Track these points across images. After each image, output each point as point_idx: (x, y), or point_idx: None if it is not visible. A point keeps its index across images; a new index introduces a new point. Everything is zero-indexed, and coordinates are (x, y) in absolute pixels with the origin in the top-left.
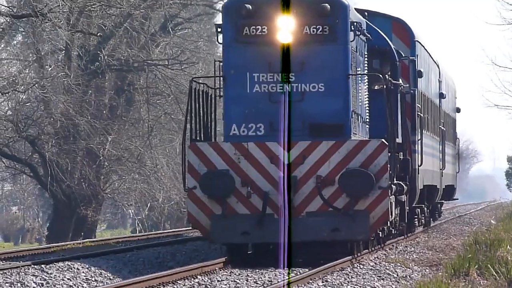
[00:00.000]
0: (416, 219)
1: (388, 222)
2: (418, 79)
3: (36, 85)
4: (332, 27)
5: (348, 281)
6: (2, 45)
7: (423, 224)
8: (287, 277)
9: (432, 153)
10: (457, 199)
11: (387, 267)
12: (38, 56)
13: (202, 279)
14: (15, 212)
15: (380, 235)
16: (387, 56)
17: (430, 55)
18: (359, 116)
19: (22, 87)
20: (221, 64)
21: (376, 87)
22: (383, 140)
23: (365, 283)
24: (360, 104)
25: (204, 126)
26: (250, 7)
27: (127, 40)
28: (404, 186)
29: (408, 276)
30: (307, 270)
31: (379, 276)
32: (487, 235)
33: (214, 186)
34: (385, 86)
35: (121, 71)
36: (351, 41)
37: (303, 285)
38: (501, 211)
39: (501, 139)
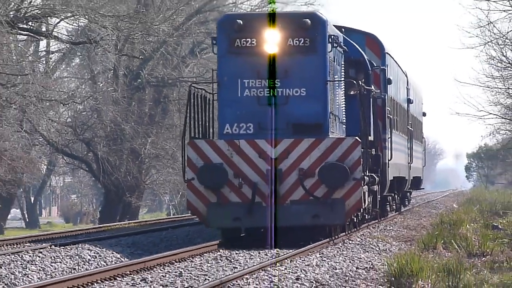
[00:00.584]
0: (388, 206)
1: (362, 209)
2: (388, 86)
3: (90, 97)
4: (312, 40)
5: (339, 253)
6: (63, 66)
7: (395, 210)
8: (289, 252)
9: (401, 149)
10: (423, 188)
11: (371, 242)
12: (92, 75)
13: (223, 252)
14: (74, 199)
15: (355, 220)
16: (361, 66)
17: (399, 66)
18: (337, 117)
19: (79, 99)
20: (216, 72)
21: (351, 93)
22: (356, 137)
23: (354, 255)
24: (337, 106)
25: (202, 126)
26: (241, 22)
27: (163, 62)
28: (376, 178)
29: (387, 249)
30: (291, 250)
31: (365, 250)
32: (450, 217)
33: (210, 177)
34: (359, 92)
35: (158, 87)
36: (329, 52)
37: (304, 257)
38: (461, 197)
39: (462, 139)
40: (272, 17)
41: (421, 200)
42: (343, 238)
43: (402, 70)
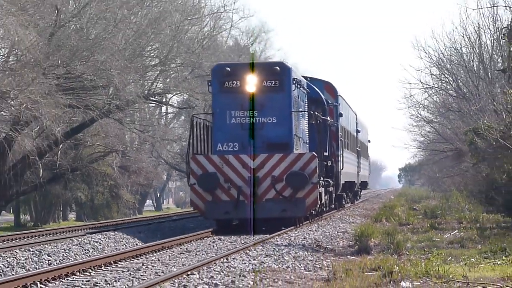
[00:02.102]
0: (343, 200)
1: (318, 205)
2: (340, 118)
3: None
4: (280, 82)
5: (328, 224)
6: (175, 120)
7: (350, 202)
8: (288, 228)
9: (351, 162)
10: (369, 188)
11: (345, 218)
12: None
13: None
14: (182, 194)
15: (313, 213)
16: (320, 103)
17: (349, 106)
18: (300, 138)
19: (184, 139)
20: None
21: (312, 122)
22: (313, 153)
23: (336, 225)
24: (301, 131)
25: (202, 145)
26: (229, 69)
27: None
28: (331, 182)
29: (354, 222)
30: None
31: (341, 221)
32: (389, 203)
33: (206, 182)
34: (316, 121)
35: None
36: (293, 91)
37: (306, 225)
38: (395, 192)
39: (397, 158)
40: (251, 65)
41: (373, 194)
42: (330, 215)
43: (352, 110)
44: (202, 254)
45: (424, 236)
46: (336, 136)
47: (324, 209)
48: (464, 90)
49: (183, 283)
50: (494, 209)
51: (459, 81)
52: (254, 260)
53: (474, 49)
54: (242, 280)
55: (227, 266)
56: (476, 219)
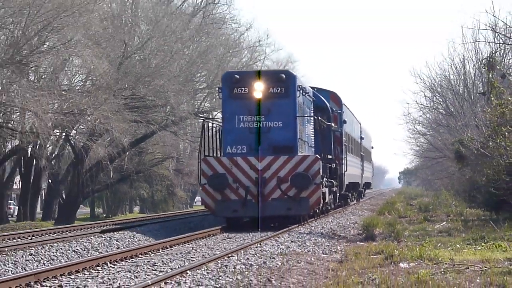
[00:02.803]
0: (348, 199)
1: (322, 204)
2: (344, 124)
3: None
4: (286, 88)
5: (342, 217)
6: None
7: (356, 200)
8: (297, 224)
9: (355, 165)
10: (372, 188)
11: (355, 211)
12: None
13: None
14: None
15: (317, 211)
16: (325, 110)
17: (353, 115)
18: (305, 142)
19: None
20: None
21: (318, 127)
22: (317, 155)
23: (347, 216)
24: (307, 135)
25: (213, 148)
26: (238, 76)
27: None
28: (335, 182)
29: (362, 215)
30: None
31: (352, 214)
32: (391, 200)
33: (216, 182)
34: (320, 126)
35: None
36: (298, 97)
37: (317, 219)
38: (396, 191)
39: (398, 163)
40: (259, 73)
41: (377, 193)
42: (337, 211)
43: (356, 119)
44: (240, 240)
45: (418, 227)
46: (340, 141)
47: (329, 208)
48: (452, 109)
49: (224, 263)
50: (476, 205)
51: (447, 102)
52: (282, 245)
53: (459, 76)
54: (272, 261)
55: (260, 250)
56: (461, 213)
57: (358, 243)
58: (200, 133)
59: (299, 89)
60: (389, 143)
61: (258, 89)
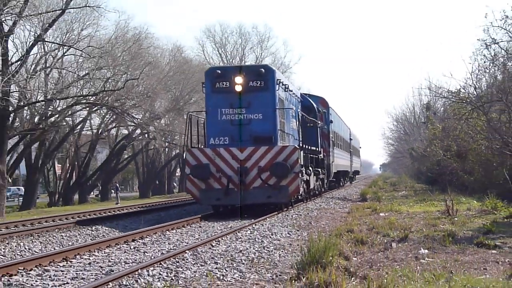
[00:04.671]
0: (341, 182)
1: (301, 191)
2: (330, 123)
3: None
4: (265, 82)
5: (346, 189)
6: None
7: (349, 181)
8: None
9: (343, 158)
10: (360, 175)
11: (354, 188)
12: None
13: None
14: None
15: (299, 197)
16: (312, 109)
17: (342, 119)
18: (288, 134)
19: None
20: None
21: (308, 125)
22: (295, 146)
23: (351, 190)
24: (291, 128)
25: (198, 139)
26: (220, 71)
27: None
28: (321, 171)
29: (359, 188)
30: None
31: (354, 187)
32: (375, 180)
33: (200, 172)
34: (308, 122)
35: None
36: (277, 90)
37: (316, 199)
38: (378, 176)
39: (380, 159)
40: (239, 68)
41: (367, 177)
42: (338, 188)
43: (346, 124)
44: (295, 202)
45: (390, 194)
46: (328, 137)
47: (322, 190)
48: (407, 131)
49: (285, 215)
50: (420, 182)
51: (405, 127)
52: (317, 204)
53: (412, 113)
54: (312, 212)
55: (305, 206)
56: (412, 186)
57: (358, 202)
58: (186, 126)
59: (278, 82)
60: (374, 145)
61: (239, 83)
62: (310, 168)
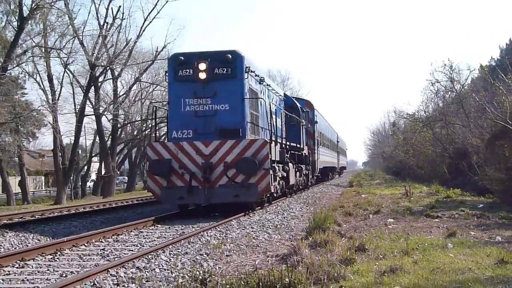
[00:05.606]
0: (329, 176)
1: (274, 189)
2: (316, 124)
3: None
4: (233, 69)
5: (339, 178)
6: None
7: (338, 175)
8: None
9: (330, 156)
10: (346, 170)
11: (343, 178)
12: None
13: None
14: None
15: (275, 195)
16: (295, 109)
17: (328, 123)
18: (262, 128)
19: None
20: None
21: (291, 123)
22: (265, 139)
23: (342, 179)
24: (267, 123)
25: (167, 134)
26: (183, 58)
27: None
28: (305, 166)
29: (348, 178)
30: (317, 183)
31: (344, 178)
32: (358, 174)
33: (162, 168)
34: (290, 120)
35: None
36: (246, 79)
37: (305, 191)
38: (361, 170)
39: (362, 157)
40: (204, 54)
41: (352, 171)
42: (327, 181)
43: (333, 128)
44: (303, 187)
45: (368, 182)
46: (313, 136)
47: (309, 184)
48: (380, 140)
49: (296, 197)
50: (389, 174)
51: (379, 137)
52: (320, 188)
53: (383, 128)
54: (316, 195)
55: (311, 190)
56: (384, 177)
57: (347, 188)
58: (151, 118)
59: (247, 70)
60: (359, 149)
61: (203, 69)
62: (291, 164)
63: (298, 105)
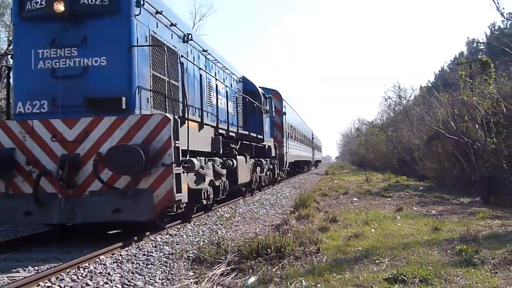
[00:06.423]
0: (305, 168)
1: (182, 198)
2: (284, 115)
3: None
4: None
5: (317, 169)
6: None
7: (314, 166)
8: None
9: (303, 150)
10: (321, 163)
11: (320, 169)
12: None
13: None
14: None
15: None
16: (256, 95)
17: (302, 119)
18: (178, 102)
19: None
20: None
21: (250, 110)
22: (166, 114)
23: (318, 170)
24: (198, 95)
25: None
26: None
27: None
28: (269, 160)
29: (324, 169)
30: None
31: (321, 169)
32: (332, 166)
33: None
34: (249, 105)
35: None
36: (137, 15)
37: (270, 187)
38: (335, 163)
39: (335, 152)
40: None
41: (328, 164)
42: (302, 173)
43: (307, 124)
44: (270, 183)
45: (339, 171)
46: (281, 127)
47: (279, 178)
48: (348, 140)
49: (272, 189)
50: (354, 165)
51: (347, 139)
52: (307, 175)
53: (351, 133)
54: (301, 180)
55: (302, 176)
56: (351, 168)
57: (324, 175)
58: (5, 83)
59: (143, 2)
60: (332, 146)
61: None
62: (241, 157)
63: (260, 90)
